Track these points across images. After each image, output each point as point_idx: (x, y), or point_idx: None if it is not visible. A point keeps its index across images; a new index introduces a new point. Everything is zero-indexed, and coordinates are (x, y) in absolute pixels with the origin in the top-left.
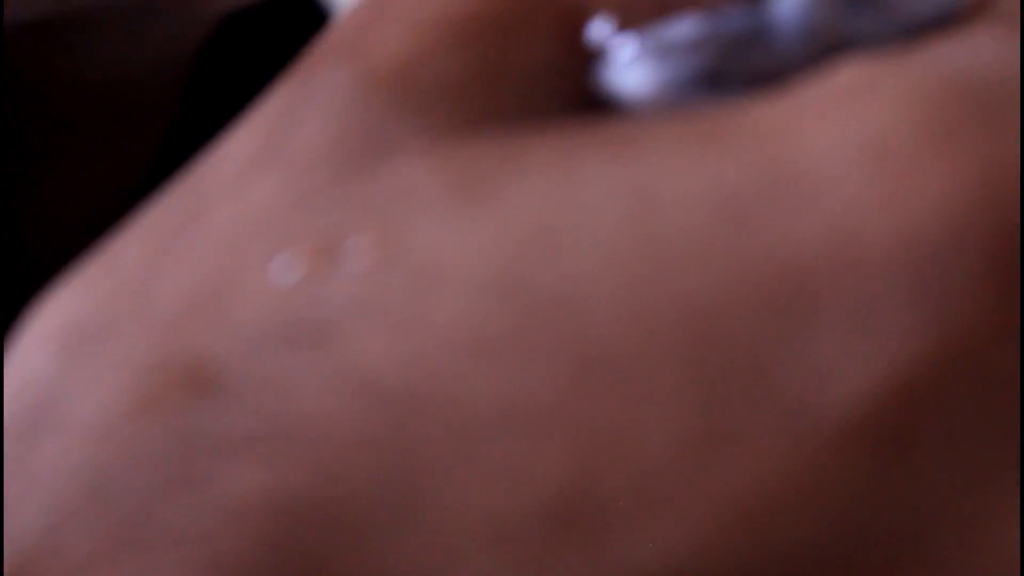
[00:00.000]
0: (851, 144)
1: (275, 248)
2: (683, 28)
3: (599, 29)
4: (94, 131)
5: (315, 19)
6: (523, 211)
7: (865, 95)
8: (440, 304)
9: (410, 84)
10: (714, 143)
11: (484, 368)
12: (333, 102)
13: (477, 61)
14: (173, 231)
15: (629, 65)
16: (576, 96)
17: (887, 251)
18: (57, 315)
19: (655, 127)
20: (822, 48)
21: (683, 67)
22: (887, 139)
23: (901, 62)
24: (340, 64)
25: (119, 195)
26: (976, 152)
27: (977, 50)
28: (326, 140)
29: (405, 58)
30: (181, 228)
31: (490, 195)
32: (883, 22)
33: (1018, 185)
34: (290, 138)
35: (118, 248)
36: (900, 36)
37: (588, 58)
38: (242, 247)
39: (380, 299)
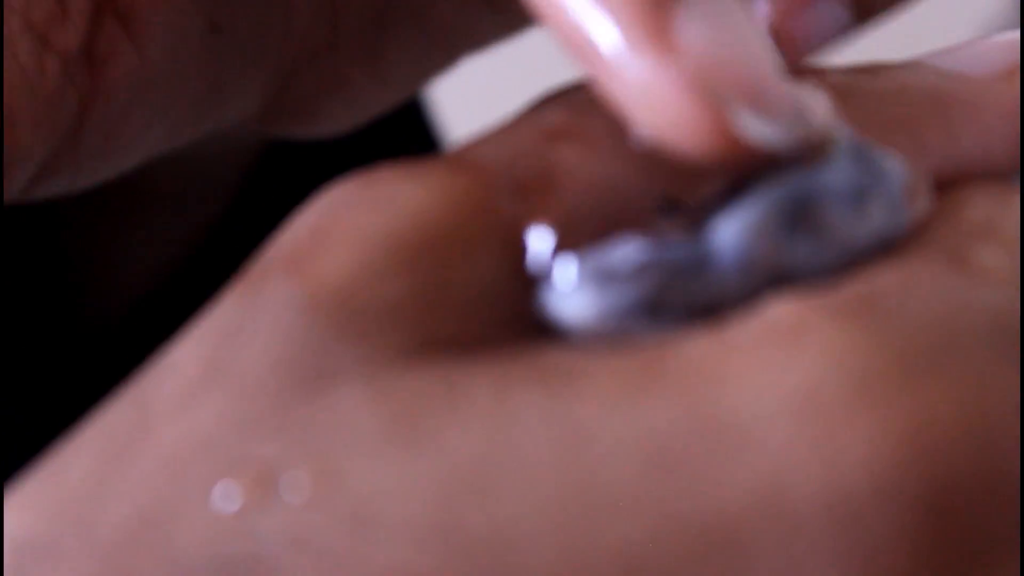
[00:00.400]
0: (779, 395)
1: (216, 475)
2: (624, 254)
3: (541, 248)
4: (160, 198)
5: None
6: (458, 452)
7: (795, 341)
8: (373, 545)
9: (353, 308)
10: (647, 385)
11: None
12: (277, 324)
13: (420, 284)
14: (118, 448)
15: (570, 291)
16: (519, 317)
17: (813, 507)
18: (6, 531)
19: (591, 363)
20: (762, 278)
21: (623, 295)
22: (814, 391)
23: (832, 303)
24: (286, 281)
25: (182, 259)
26: (901, 408)
27: (911, 290)
28: (269, 364)
29: (349, 280)
30: (126, 445)
31: (426, 434)
32: (822, 252)
33: (945, 437)
34: (234, 358)
35: (65, 461)
36: (839, 265)
37: (531, 279)
38: (184, 472)
39: (315, 536)
